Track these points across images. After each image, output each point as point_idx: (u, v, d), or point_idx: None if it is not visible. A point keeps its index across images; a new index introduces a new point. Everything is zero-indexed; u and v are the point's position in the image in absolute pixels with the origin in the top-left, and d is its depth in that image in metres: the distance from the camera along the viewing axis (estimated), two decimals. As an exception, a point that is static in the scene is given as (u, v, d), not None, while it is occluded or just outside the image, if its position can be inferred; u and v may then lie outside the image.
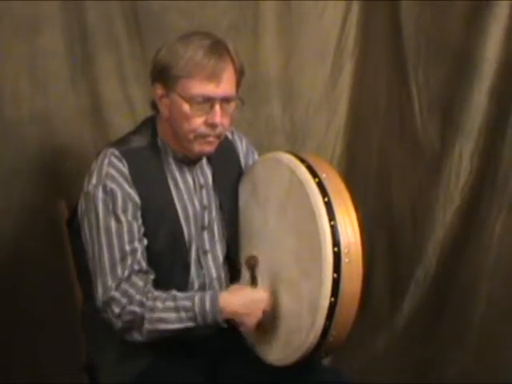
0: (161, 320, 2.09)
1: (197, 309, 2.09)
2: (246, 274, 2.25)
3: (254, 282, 2.20)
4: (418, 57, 3.11)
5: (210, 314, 2.09)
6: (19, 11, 2.70)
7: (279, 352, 2.16)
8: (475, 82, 2.98)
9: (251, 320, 2.14)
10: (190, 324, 2.09)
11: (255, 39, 3.09)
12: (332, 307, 2.00)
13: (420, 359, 3.10)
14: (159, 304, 2.10)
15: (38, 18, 2.74)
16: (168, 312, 2.09)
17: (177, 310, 2.09)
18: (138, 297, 2.10)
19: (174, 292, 2.13)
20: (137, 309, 2.09)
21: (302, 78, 3.19)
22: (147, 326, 2.09)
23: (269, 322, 2.17)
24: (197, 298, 2.10)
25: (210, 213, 2.30)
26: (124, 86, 2.91)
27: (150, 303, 2.09)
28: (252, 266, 2.21)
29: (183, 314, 2.09)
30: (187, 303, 2.10)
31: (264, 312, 2.15)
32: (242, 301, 2.14)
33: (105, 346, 2.26)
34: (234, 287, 2.21)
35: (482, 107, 2.99)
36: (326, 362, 2.39)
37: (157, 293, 2.12)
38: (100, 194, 2.13)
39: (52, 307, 2.84)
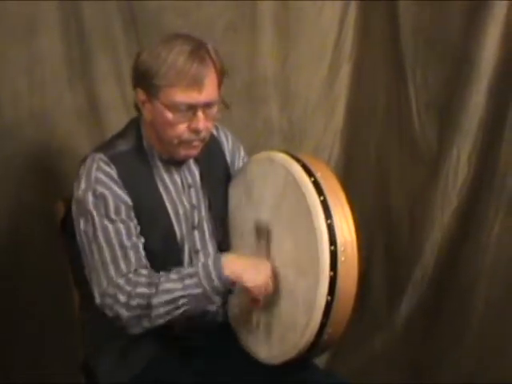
0: (167, 291, 2.07)
1: (201, 272, 2.08)
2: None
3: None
4: (416, 57, 3.11)
5: (215, 273, 2.07)
6: (16, 12, 2.69)
7: (274, 350, 2.16)
8: (473, 83, 2.97)
9: (254, 280, 2.11)
10: (197, 291, 2.07)
11: (252, 39, 3.09)
12: (328, 305, 2.00)
13: (418, 360, 3.10)
14: (163, 278, 2.09)
15: (35, 18, 2.73)
16: (173, 282, 2.08)
17: (181, 278, 2.08)
18: (143, 279, 2.09)
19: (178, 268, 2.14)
20: (144, 290, 2.07)
21: (299, 78, 3.19)
22: (154, 300, 2.07)
23: (265, 319, 2.18)
24: (200, 263, 2.11)
25: (199, 212, 2.30)
26: (121, 86, 2.88)
27: (155, 280, 2.08)
28: (263, 233, 2.19)
29: (188, 281, 2.08)
30: (191, 270, 2.10)
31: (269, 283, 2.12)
32: (246, 261, 2.12)
33: (103, 347, 2.26)
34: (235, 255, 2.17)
35: (480, 107, 2.98)
36: (322, 362, 2.39)
37: (160, 273, 2.12)
38: (90, 199, 2.12)
39: (52, 307, 2.83)
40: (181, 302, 2.08)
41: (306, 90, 3.21)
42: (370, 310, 3.16)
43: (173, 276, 2.10)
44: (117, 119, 2.85)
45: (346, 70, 3.26)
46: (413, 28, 3.10)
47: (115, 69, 2.89)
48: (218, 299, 2.16)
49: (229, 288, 2.12)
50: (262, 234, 2.20)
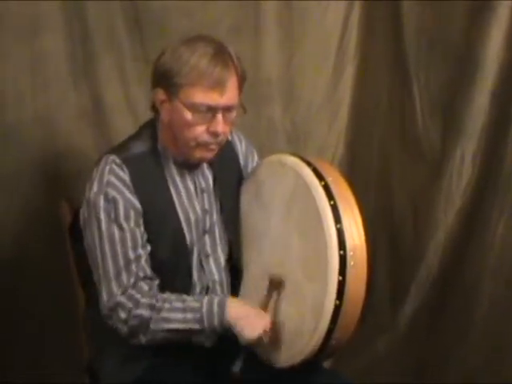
0: (166, 320, 2.09)
1: (204, 310, 2.09)
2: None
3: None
4: (420, 57, 3.10)
5: (217, 316, 2.08)
6: (19, 12, 2.68)
7: (281, 354, 2.15)
8: (477, 83, 2.97)
9: (251, 332, 2.11)
10: (196, 326, 2.09)
11: (256, 40, 3.08)
12: (336, 310, 1.99)
13: (423, 359, 3.10)
14: (167, 305, 2.10)
15: (38, 18, 2.72)
16: (175, 312, 2.09)
17: (184, 310, 2.09)
18: (144, 300, 2.09)
19: (183, 295, 2.14)
20: (144, 312, 2.09)
21: (303, 79, 3.18)
22: (152, 326, 2.09)
23: (271, 324, 2.16)
24: (205, 301, 2.11)
25: (211, 216, 2.29)
26: (125, 87, 2.89)
27: (159, 304, 2.09)
28: (276, 286, 2.17)
29: (190, 315, 2.09)
30: (195, 304, 2.10)
31: (264, 332, 2.11)
32: (248, 311, 2.12)
33: (106, 349, 2.26)
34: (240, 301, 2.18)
35: (483, 108, 2.98)
36: (326, 363, 2.38)
37: (166, 295, 2.12)
38: (101, 203, 2.12)
39: (52, 307, 2.84)
40: (178, 331, 2.10)
41: (310, 91, 3.20)
42: (374, 310, 3.14)
43: (176, 305, 2.11)
44: (121, 120, 2.88)
45: (349, 71, 3.25)
46: (416, 28, 3.09)
47: (119, 69, 2.88)
48: (213, 336, 2.15)
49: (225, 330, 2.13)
50: (274, 286, 2.18)
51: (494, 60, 2.94)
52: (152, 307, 2.09)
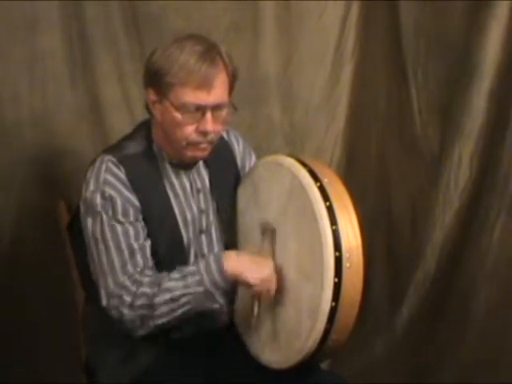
0: (169, 290, 2.07)
1: (202, 269, 2.08)
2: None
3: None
4: (418, 58, 3.09)
5: (216, 269, 2.07)
6: (17, 11, 2.69)
7: (278, 356, 2.15)
8: (475, 84, 2.96)
9: (257, 276, 2.10)
10: (199, 288, 2.07)
11: (254, 40, 3.08)
12: (332, 312, 1.99)
13: (419, 362, 3.10)
14: (166, 277, 2.09)
15: (36, 18, 2.73)
16: (175, 281, 2.08)
17: (183, 277, 2.08)
18: (147, 279, 2.09)
19: (179, 267, 2.14)
20: (147, 289, 2.07)
21: (301, 80, 3.18)
22: (156, 299, 2.07)
23: (270, 324, 2.17)
24: (201, 262, 2.10)
25: (207, 216, 2.29)
26: (122, 86, 2.90)
27: (158, 280, 2.09)
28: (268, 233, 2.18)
29: (190, 279, 2.08)
30: (193, 268, 2.10)
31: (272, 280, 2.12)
32: (248, 258, 2.12)
33: (105, 348, 2.26)
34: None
35: (481, 109, 2.97)
36: (324, 365, 2.39)
37: (163, 273, 2.12)
38: (99, 200, 2.12)
39: (52, 307, 2.84)
40: (183, 300, 2.08)
41: (307, 92, 3.20)
42: (371, 313, 3.15)
43: (175, 275, 2.09)
44: (119, 119, 2.89)
45: (347, 72, 3.24)
46: (414, 28, 3.08)
47: (117, 69, 2.89)
48: (220, 298, 2.13)
49: (231, 285, 2.11)
50: (267, 233, 2.19)
51: (493, 60, 2.92)
52: (152, 284, 2.08)
